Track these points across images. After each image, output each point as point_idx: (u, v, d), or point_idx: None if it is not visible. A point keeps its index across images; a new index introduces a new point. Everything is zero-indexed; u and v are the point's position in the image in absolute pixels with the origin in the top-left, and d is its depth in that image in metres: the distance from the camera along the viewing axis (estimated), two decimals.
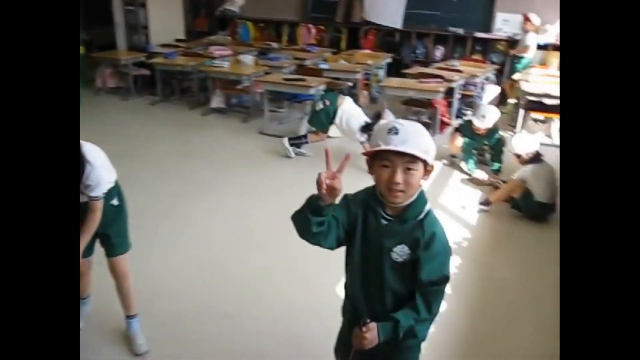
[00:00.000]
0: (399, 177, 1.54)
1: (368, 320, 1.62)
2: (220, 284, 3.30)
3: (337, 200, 1.61)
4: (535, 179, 4.36)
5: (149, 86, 8.43)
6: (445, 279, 1.68)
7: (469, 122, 5.46)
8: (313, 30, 10.57)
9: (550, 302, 3.24)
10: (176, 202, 4.50)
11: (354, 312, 1.79)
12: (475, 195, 4.97)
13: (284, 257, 3.61)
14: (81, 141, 2.17)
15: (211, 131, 6.83)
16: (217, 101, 7.55)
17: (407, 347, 1.80)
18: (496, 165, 5.39)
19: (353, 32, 10.35)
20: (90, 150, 2.29)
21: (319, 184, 1.52)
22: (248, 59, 7.74)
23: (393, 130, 1.52)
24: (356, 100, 7.81)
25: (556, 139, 6.74)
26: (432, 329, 2.76)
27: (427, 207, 1.68)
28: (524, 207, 4.45)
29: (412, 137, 1.53)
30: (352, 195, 1.74)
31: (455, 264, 3.71)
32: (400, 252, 1.65)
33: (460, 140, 5.44)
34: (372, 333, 1.62)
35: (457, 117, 7.49)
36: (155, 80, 8.14)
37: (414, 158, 1.53)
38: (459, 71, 7.58)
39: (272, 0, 10.70)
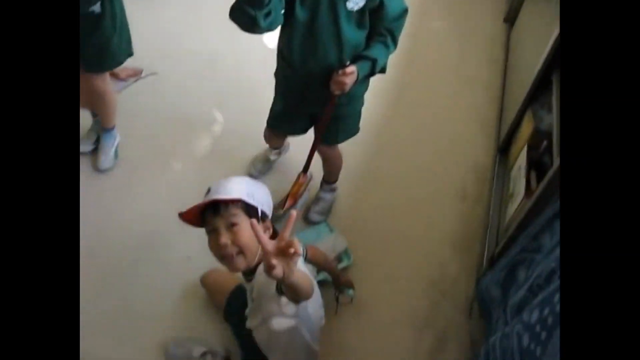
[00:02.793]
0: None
1: (348, 62, 1.61)
2: None
3: None
4: None
5: None
6: (406, 10, 1.68)
7: None
8: None
9: (484, 54, 3.29)
10: None
11: (297, 78, 1.72)
12: None
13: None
14: None
15: None
16: None
17: (361, 95, 1.88)
18: None
19: None
20: None
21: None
22: None
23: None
24: None
25: None
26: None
27: None
28: None
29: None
30: None
31: None
32: (353, 2, 1.55)
33: None
34: (353, 76, 1.61)
35: None
36: None
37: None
38: None
39: None
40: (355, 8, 1.56)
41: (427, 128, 2.76)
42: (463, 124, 2.80)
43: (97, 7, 1.97)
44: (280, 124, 2.02)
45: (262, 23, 1.40)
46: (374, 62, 1.65)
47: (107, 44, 2.10)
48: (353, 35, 1.62)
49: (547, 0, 2.46)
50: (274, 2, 1.40)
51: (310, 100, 1.79)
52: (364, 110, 1.95)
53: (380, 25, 1.65)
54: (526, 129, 2.18)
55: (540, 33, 2.33)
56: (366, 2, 1.56)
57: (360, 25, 1.62)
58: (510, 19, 3.48)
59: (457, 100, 2.94)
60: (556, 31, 1.96)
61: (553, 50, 2.00)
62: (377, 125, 2.69)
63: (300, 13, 1.55)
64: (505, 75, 3.04)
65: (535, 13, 2.77)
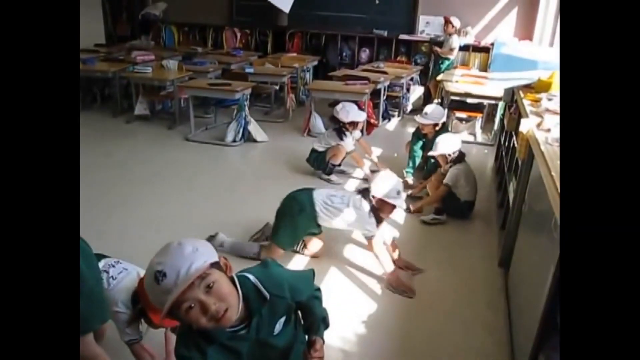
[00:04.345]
0: (210, 301, 1.33)
1: (313, 338, 1.61)
2: None
3: None
4: (463, 179, 4.43)
5: None
6: (314, 274, 1.79)
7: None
8: (238, 34, 10.49)
9: (482, 299, 3.31)
10: (100, 215, 4.31)
11: None
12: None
13: None
14: None
15: (136, 139, 6.62)
16: (140, 108, 7.30)
17: None
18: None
19: (279, 36, 10.33)
20: None
21: None
22: (172, 64, 7.56)
23: (160, 276, 1.28)
24: (283, 103, 7.80)
25: (479, 137, 6.96)
26: (364, 330, 2.75)
27: (252, 279, 1.53)
28: (451, 209, 4.51)
29: (182, 261, 1.30)
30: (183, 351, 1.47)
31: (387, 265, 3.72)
32: (279, 325, 1.58)
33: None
34: (322, 345, 1.62)
35: (384, 118, 7.59)
36: None
37: (202, 276, 1.33)
38: (384, 73, 7.70)
39: (196, 4, 10.52)
40: (281, 328, 1.59)
41: None
42: None
43: None
44: None
45: None
46: (323, 320, 1.70)
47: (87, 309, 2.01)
48: (286, 336, 1.63)
49: (538, 242, 2.57)
50: None
51: None
52: None
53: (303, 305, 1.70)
54: None
55: (536, 275, 2.38)
56: (286, 315, 1.59)
57: (288, 324, 1.63)
58: (505, 263, 3.59)
59: (464, 347, 2.88)
60: (552, 270, 2.01)
61: (552, 292, 2.03)
62: None
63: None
64: (510, 319, 3.03)
65: (528, 256, 2.87)
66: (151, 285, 1.31)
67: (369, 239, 3.37)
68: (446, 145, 4.56)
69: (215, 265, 1.37)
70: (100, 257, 2.62)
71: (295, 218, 3.44)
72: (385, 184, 3.36)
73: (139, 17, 10.85)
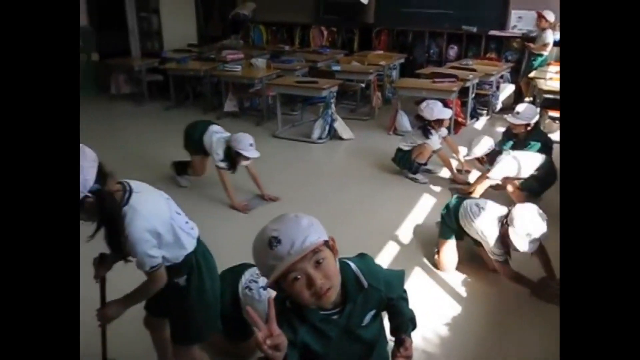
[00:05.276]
0: (317, 276, 1.35)
1: (403, 337, 1.60)
2: None
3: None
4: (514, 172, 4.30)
5: (162, 92, 8.46)
6: (405, 291, 1.77)
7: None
8: (325, 32, 10.57)
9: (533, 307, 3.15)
10: (190, 209, 4.47)
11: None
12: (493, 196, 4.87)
13: None
14: (130, 183, 1.94)
15: None
16: (230, 105, 7.54)
17: None
18: None
19: (365, 34, 10.32)
20: (137, 197, 1.90)
21: (260, 348, 1.25)
22: (260, 62, 7.74)
23: (275, 242, 1.32)
24: (369, 101, 7.78)
25: None
26: (447, 332, 2.71)
27: (353, 267, 1.55)
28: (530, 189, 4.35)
29: (298, 232, 1.34)
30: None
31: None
32: (368, 317, 1.59)
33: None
34: (412, 344, 1.61)
35: (472, 117, 7.40)
36: (168, 86, 8.16)
37: (314, 251, 1.35)
38: (473, 70, 7.48)
39: (283, 3, 10.69)
40: (369, 320, 1.58)
41: None
42: None
43: (182, 280, 2.01)
44: None
45: None
46: (411, 320, 1.68)
47: (192, 318, 2.08)
48: (373, 331, 1.63)
49: None
50: None
51: None
52: None
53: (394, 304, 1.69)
54: None
55: None
56: (376, 310, 1.59)
57: (375, 319, 1.63)
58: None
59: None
60: None
61: None
62: None
63: (316, 346, 1.51)
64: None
65: None
66: (262, 250, 1.35)
67: (499, 263, 3.17)
68: (481, 147, 4.57)
69: (326, 243, 1.41)
70: (247, 266, 2.62)
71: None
72: (534, 224, 2.96)
73: (230, 17, 11.16)
